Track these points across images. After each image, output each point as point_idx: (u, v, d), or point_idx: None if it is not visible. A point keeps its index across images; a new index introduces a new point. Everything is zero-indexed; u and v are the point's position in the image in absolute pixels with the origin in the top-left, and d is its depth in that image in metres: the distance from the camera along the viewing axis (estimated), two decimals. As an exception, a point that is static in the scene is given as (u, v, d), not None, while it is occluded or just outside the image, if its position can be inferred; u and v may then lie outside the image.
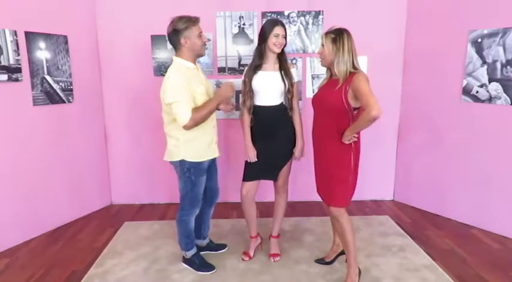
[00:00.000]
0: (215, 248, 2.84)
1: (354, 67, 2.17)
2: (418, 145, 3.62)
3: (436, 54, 3.37)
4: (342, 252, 2.58)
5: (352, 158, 2.22)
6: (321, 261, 2.66)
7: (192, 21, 2.28)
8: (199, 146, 2.39)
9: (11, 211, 2.93)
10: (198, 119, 2.23)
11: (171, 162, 2.44)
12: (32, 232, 3.09)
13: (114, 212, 3.69)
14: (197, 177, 2.42)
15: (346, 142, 2.21)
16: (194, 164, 2.38)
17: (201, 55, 2.41)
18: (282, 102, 2.52)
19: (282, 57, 2.47)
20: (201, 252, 2.70)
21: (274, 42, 2.38)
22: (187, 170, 2.38)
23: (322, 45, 2.22)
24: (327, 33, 2.21)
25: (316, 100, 2.33)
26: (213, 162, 2.56)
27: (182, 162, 2.37)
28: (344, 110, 2.16)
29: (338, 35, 2.16)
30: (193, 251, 2.60)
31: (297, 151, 2.57)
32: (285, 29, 2.43)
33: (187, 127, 2.24)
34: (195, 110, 2.23)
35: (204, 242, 2.81)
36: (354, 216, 3.39)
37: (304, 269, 2.59)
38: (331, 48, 2.17)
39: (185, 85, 2.23)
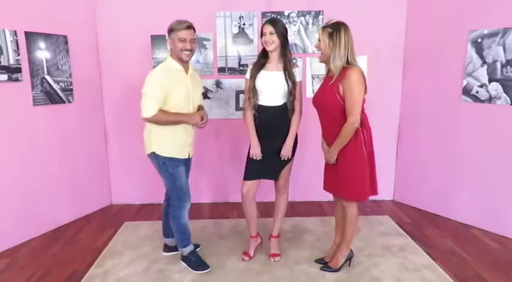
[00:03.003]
0: None
1: (348, 62, 2.14)
2: (418, 145, 3.62)
3: (436, 54, 3.37)
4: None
5: (364, 152, 2.23)
6: (321, 261, 2.65)
7: (180, 24, 2.32)
8: (170, 144, 2.44)
9: (11, 211, 2.93)
10: (157, 121, 2.36)
11: (148, 156, 2.49)
12: (32, 232, 3.09)
13: (114, 212, 3.69)
14: (174, 169, 2.44)
15: (331, 161, 2.26)
16: (168, 157, 2.42)
17: (181, 60, 2.40)
18: (284, 103, 2.50)
19: (285, 58, 2.46)
20: (172, 253, 2.74)
21: (263, 41, 2.43)
22: (163, 164, 2.43)
23: (319, 39, 2.21)
24: (324, 27, 2.18)
25: (316, 100, 2.33)
26: (187, 160, 2.57)
27: (156, 155, 2.42)
28: (339, 106, 2.16)
29: (335, 30, 2.14)
30: (190, 247, 2.58)
31: (283, 149, 2.50)
32: (275, 27, 2.37)
33: (145, 120, 2.37)
34: (164, 112, 2.33)
35: (174, 241, 2.70)
36: (354, 216, 3.39)
37: (304, 269, 2.59)
38: (328, 43, 2.15)
39: (163, 84, 2.30)
